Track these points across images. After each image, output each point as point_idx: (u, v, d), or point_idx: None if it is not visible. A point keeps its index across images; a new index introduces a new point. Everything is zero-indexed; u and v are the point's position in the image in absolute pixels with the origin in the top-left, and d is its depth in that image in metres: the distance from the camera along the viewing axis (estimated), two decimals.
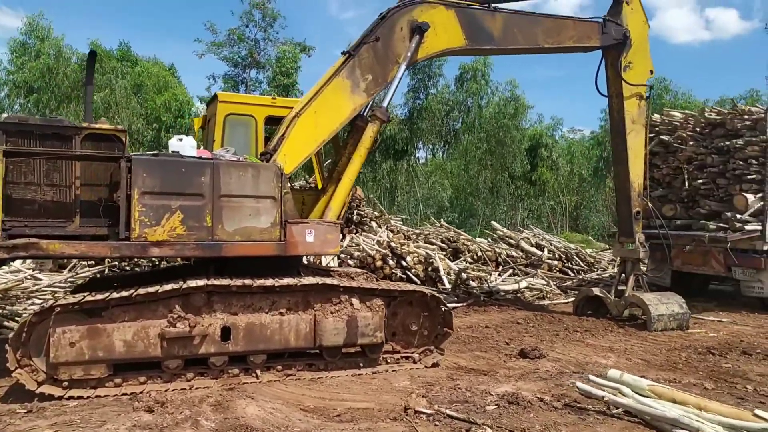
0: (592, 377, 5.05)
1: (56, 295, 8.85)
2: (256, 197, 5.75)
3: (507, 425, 4.27)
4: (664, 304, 8.40)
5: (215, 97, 7.51)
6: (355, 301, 5.88)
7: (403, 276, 11.30)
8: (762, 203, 9.47)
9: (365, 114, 7.34)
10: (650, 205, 9.19)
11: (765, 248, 9.43)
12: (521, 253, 14.48)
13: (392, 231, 13.87)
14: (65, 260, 9.63)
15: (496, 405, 4.74)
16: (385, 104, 7.18)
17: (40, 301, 8.60)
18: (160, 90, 24.98)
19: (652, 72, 9.10)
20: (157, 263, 9.52)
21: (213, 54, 28.19)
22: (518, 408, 4.65)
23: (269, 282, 5.57)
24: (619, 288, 9.06)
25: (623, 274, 9.10)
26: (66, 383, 5.04)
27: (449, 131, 28.49)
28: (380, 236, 12.55)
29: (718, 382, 5.60)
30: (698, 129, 10.88)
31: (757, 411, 4.08)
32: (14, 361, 4.89)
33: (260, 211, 5.76)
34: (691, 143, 10.81)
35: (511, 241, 15.36)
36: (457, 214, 26.71)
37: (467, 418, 4.37)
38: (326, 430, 4.21)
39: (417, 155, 29.15)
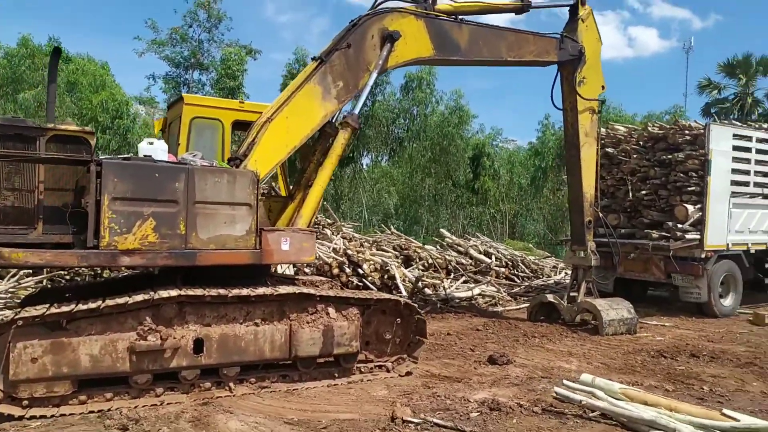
0: (566, 382, 5.24)
1: None
2: (232, 204, 5.60)
3: (493, 431, 4.36)
4: (615, 310, 8.81)
5: (180, 99, 7.29)
6: (331, 310, 5.83)
7: (360, 284, 11.28)
8: (701, 214, 10.13)
9: (334, 121, 7.33)
10: (600, 214, 9.63)
11: (703, 256, 10.08)
12: (470, 261, 14.79)
13: (345, 238, 13.83)
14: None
15: (478, 412, 4.83)
16: (356, 111, 7.18)
17: None
18: (96, 89, 23.82)
19: (603, 87, 9.55)
20: (112, 273, 9.06)
21: (154, 53, 27.25)
22: (501, 414, 4.76)
23: (245, 292, 5.44)
24: (571, 294, 9.43)
25: (575, 281, 9.48)
26: (26, 402, 4.73)
27: (394, 139, 28.75)
28: (336, 244, 12.48)
29: (677, 384, 5.95)
30: (641, 143, 11.51)
31: (725, 410, 4.37)
32: None
33: (236, 219, 5.61)
34: (634, 156, 11.41)
35: (459, 248, 15.65)
36: (402, 221, 26.93)
37: (454, 426, 4.43)
38: None
39: (362, 162, 29.22)
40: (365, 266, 11.57)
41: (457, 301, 11.38)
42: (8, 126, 5.11)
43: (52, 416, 4.67)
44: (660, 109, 34.85)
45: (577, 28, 9.18)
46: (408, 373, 6.10)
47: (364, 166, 31.02)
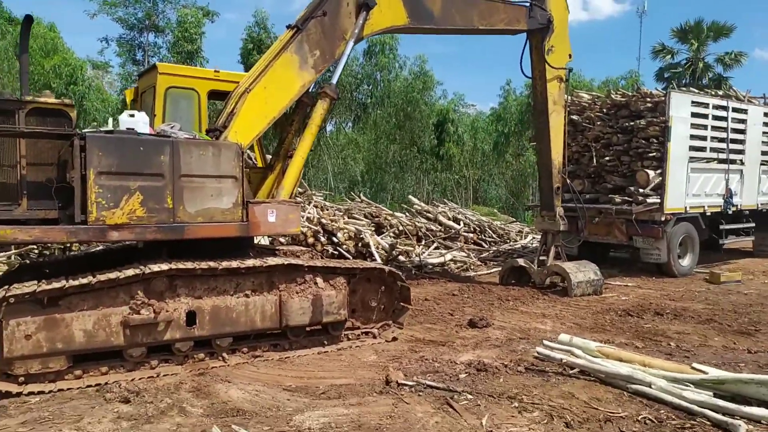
0: (546, 342, 5.56)
1: None
2: (218, 177, 5.62)
3: (484, 390, 4.64)
4: (582, 272, 9.25)
5: (154, 67, 7.11)
6: (319, 280, 5.97)
7: (335, 252, 11.43)
8: (661, 179, 10.60)
9: (311, 91, 7.32)
10: (568, 180, 9.98)
11: (663, 219, 10.60)
12: (440, 227, 15.10)
13: (318, 207, 13.88)
14: None
15: (466, 373, 5.10)
16: (334, 81, 7.17)
17: None
18: (48, 53, 22.67)
19: (570, 56, 9.75)
20: (82, 247, 8.92)
21: (106, 14, 26.04)
22: (487, 374, 5.04)
23: (234, 264, 5.51)
24: (541, 258, 9.82)
25: (544, 246, 9.86)
26: (22, 378, 4.74)
27: (358, 105, 28.60)
28: (309, 213, 12.53)
29: (645, 341, 6.38)
30: (605, 110, 11.86)
31: (694, 364, 4.76)
32: None
33: (222, 192, 5.63)
34: (598, 123, 11.76)
35: (428, 215, 15.94)
36: (368, 188, 27.04)
37: (447, 387, 4.68)
38: (319, 407, 4.33)
39: (326, 129, 28.97)
40: (339, 235, 11.70)
41: (431, 267, 11.68)
42: None
43: (50, 392, 4.70)
44: (615, 73, 35.60)
45: None
46: (394, 339, 6.33)
47: (328, 133, 30.82)
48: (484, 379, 4.95)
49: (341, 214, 13.99)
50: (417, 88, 27.02)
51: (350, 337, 6.26)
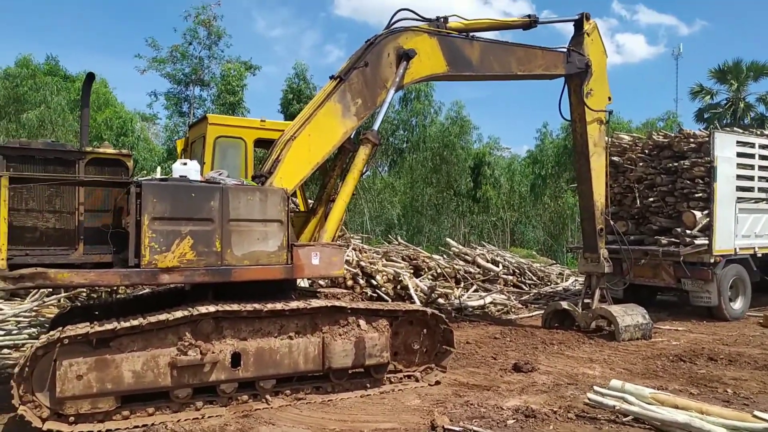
0: (597, 388, 5.38)
1: (20, 324, 8.36)
2: (264, 221, 5.75)
3: None
4: (630, 315, 8.98)
5: (204, 118, 7.46)
6: (361, 322, 5.97)
7: (374, 294, 11.42)
8: (708, 219, 10.33)
9: (353, 137, 7.51)
10: (611, 222, 9.82)
11: (712, 261, 10.28)
12: (478, 269, 14.95)
13: (357, 250, 13.97)
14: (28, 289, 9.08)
15: (514, 419, 4.97)
16: (375, 127, 7.36)
17: (2, 332, 8.10)
18: (100, 107, 23.96)
19: (610, 98, 9.76)
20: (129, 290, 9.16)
21: (155, 70, 27.44)
22: (537, 421, 4.90)
23: (279, 306, 5.58)
24: (585, 301, 9.59)
25: (588, 288, 9.64)
26: (72, 418, 4.84)
27: (395, 150, 29.01)
28: (348, 256, 12.61)
29: (700, 387, 6.10)
30: (647, 151, 11.74)
31: (756, 412, 4.52)
32: (18, 397, 4.65)
33: (268, 235, 5.76)
34: (640, 164, 11.63)
35: (467, 257, 15.81)
36: (404, 231, 27.14)
37: None
38: None
39: (364, 173, 29.47)
40: (378, 277, 11.71)
41: (470, 309, 11.53)
42: (49, 150, 5.27)
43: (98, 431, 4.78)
44: (653, 115, 35.25)
45: (582, 42, 9.40)
46: (437, 383, 6.23)
47: (364, 177, 31.31)
48: (533, 425, 4.81)
49: (379, 256, 14.02)
50: (454, 132, 27.31)
51: (393, 380, 6.19)
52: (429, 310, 6.41)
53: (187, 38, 27.99)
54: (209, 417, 5.13)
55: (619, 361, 7.37)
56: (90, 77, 5.78)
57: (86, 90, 5.86)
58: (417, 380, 6.27)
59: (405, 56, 7.43)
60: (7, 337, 7.92)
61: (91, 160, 5.35)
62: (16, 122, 22.87)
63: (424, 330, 6.41)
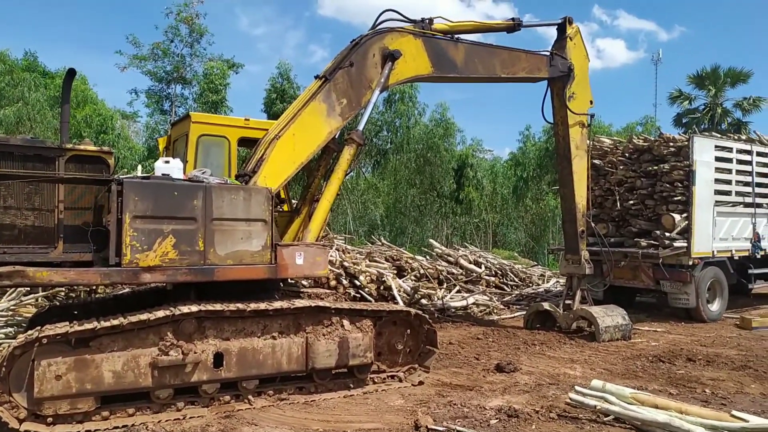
0: (578, 388, 5.43)
1: None
2: (248, 220, 5.72)
3: None
4: (610, 317, 9.09)
5: (187, 116, 7.38)
6: (345, 322, 5.96)
7: (357, 295, 11.40)
8: (687, 222, 10.50)
9: (337, 137, 7.49)
10: (593, 224, 9.93)
11: (690, 263, 10.44)
12: (460, 270, 15.00)
13: (340, 250, 13.94)
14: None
15: (497, 419, 4.99)
16: (360, 128, 7.35)
17: None
18: (79, 104, 23.58)
19: (591, 102, 9.87)
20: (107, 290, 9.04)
21: (136, 68, 27.11)
22: (519, 421, 4.93)
23: (262, 306, 5.54)
24: (566, 302, 9.68)
25: (570, 290, 9.74)
26: (50, 419, 4.76)
27: (378, 151, 29.02)
28: (331, 256, 12.57)
29: (679, 387, 6.20)
30: (627, 154, 11.89)
31: (734, 412, 4.61)
32: None
33: (252, 234, 5.73)
34: (621, 167, 11.78)
35: (449, 258, 15.86)
36: (388, 232, 27.15)
37: None
38: None
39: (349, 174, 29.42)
40: (362, 278, 11.69)
41: (453, 310, 11.56)
42: (28, 147, 5.18)
43: None
44: (631, 119, 35.73)
45: (565, 46, 9.49)
46: (420, 383, 6.24)
47: (347, 178, 31.28)
48: (516, 425, 4.84)
49: (363, 257, 14.00)
50: (438, 134, 27.41)
51: (376, 380, 6.19)
52: (413, 311, 6.42)
53: (168, 36, 27.74)
54: (191, 418, 5.08)
55: (599, 362, 7.45)
56: (71, 73, 5.69)
57: (67, 86, 5.77)
58: (400, 380, 6.28)
59: (390, 57, 7.44)
60: None
61: (72, 157, 5.27)
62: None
63: (408, 330, 6.42)
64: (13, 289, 9.05)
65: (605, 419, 4.93)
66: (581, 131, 9.67)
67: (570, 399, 5.26)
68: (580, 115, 9.60)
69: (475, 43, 8.55)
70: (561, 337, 9.01)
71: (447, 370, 6.91)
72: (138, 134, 35.17)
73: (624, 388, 5.33)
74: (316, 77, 7.34)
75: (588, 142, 9.91)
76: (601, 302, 10.33)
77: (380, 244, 16.75)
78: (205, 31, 28.10)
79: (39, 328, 4.92)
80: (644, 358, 7.67)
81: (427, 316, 6.44)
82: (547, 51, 9.42)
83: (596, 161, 12.14)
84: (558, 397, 5.70)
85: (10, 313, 8.35)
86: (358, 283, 11.64)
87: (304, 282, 11.33)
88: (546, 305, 9.96)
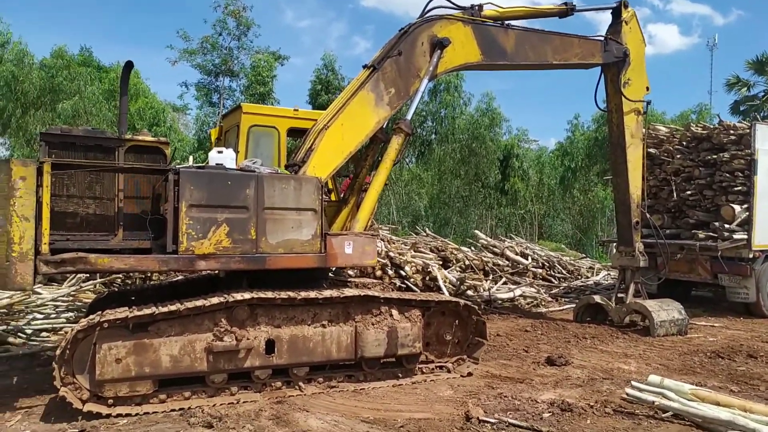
0: (635, 383, 5.27)
1: (58, 308, 8.57)
2: (298, 210, 5.76)
3: None
4: (665, 311, 8.78)
5: (238, 107, 7.49)
6: (394, 312, 5.96)
7: (402, 285, 11.40)
8: (748, 213, 10.03)
9: (386, 127, 7.46)
10: (647, 215, 9.60)
11: (750, 256, 9.99)
12: (506, 262, 14.80)
13: (385, 241, 13.96)
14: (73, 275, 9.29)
15: (550, 412, 4.90)
16: (408, 117, 7.31)
17: (41, 316, 8.32)
18: (133, 97, 24.35)
19: (648, 89, 9.51)
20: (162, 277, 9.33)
21: (186, 61, 27.79)
22: (573, 415, 4.83)
23: (312, 294, 5.60)
24: (619, 295, 9.41)
25: (623, 282, 9.46)
26: (111, 401, 4.93)
27: (422, 141, 28.89)
28: (377, 246, 12.59)
29: (740, 385, 5.94)
30: (684, 143, 11.44)
31: None
32: (59, 378, 4.75)
33: (302, 224, 5.77)
34: (678, 156, 11.34)
35: (495, 249, 15.66)
36: (431, 222, 27.05)
37: (530, 426, 4.52)
38: None
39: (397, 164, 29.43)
40: (407, 268, 11.68)
41: (500, 302, 11.43)
42: (89, 137, 5.36)
43: (137, 414, 4.87)
44: (685, 107, 34.33)
45: (620, 30, 9.16)
46: (469, 374, 6.19)
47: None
48: (570, 419, 4.74)
49: (407, 248, 13.99)
50: (484, 124, 27.06)
51: (424, 370, 6.17)
52: (462, 301, 6.36)
53: (216, 29, 28.25)
54: (244, 402, 5.19)
55: (655, 357, 7.22)
56: (128, 65, 5.85)
57: (125, 78, 5.93)
58: (449, 371, 6.24)
59: (439, 45, 7.34)
60: (46, 321, 8.13)
61: (131, 147, 5.43)
62: (52, 112, 23.36)
63: (457, 321, 6.37)
64: (73, 275, 9.46)
65: (663, 415, 4.77)
66: (636, 119, 9.34)
67: (626, 394, 5.11)
68: (636, 102, 9.26)
69: (526, 29, 8.35)
70: (613, 331, 8.77)
71: (496, 362, 6.84)
72: (187, 127, 36.10)
73: (683, 384, 5.14)
74: (365, 66, 7.32)
75: (643, 130, 9.56)
76: (654, 296, 10.00)
77: (425, 234, 16.68)
78: (252, 24, 28.53)
79: (100, 312, 5.09)
80: (702, 353, 7.38)
81: (476, 307, 6.37)
82: (601, 36, 9.12)
83: (651, 150, 11.72)
84: (612, 392, 5.55)
85: (71, 298, 8.72)
86: (403, 273, 11.64)
87: (350, 272, 11.44)
88: (597, 298, 9.71)
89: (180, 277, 8.54)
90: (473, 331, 6.39)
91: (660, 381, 5.19)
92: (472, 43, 7.75)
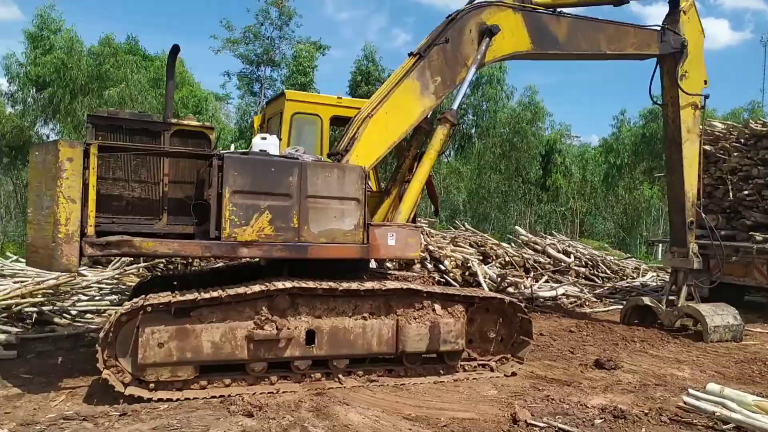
0: (692, 391, 4.97)
1: (102, 291, 8.71)
2: (341, 199, 5.64)
3: None
4: (719, 315, 8.35)
5: (282, 94, 7.41)
6: (437, 306, 5.79)
7: (441, 279, 11.20)
8: None
9: (429, 117, 7.27)
10: (703, 215, 9.14)
11: None
12: (548, 259, 14.42)
13: (424, 234, 13.77)
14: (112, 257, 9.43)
15: (601, 419, 4.66)
16: (454, 106, 7.09)
17: (86, 298, 8.47)
18: (177, 85, 24.73)
19: (706, 82, 9.03)
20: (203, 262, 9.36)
21: (229, 51, 28.08)
22: (626, 422, 4.58)
23: (354, 285, 5.47)
24: (670, 298, 9.01)
25: (674, 284, 9.04)
26: (152, 385, 4.92)
27: (462, 135, 28.51)
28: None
29: None
30: (742, 140, 10.87)
31: None
32: (102, 361, 4.76)
33: (345, 213, 5.65)
34: (735, 154, 10.79)
35: (536, 246, 15.29)
36: (469, 217, 26.70)
37: None
38: None
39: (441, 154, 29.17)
40: (446, 262, 11.49)
41: (542, 300, 11.12)
42: (136, 120, 5.35)
43: (177, 400, 4.84)
44: (736, 104, 32.96)
45: (678, 20, 8.70)
46: (513, 374, 5.98)
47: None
48: (624, 427, 4.49)
49: (446, 241, 13.77)
50: (526, 118, 26.50)
51: (466, 368, 5.98)
52: (507, 298, 6.15)
53: (259, 19, 28.41)
54: (283, 392, 5.12)
55: (709, 364, 6.85)
56: (175, 49, 5.81)
57: (171, 62, 5.91)
58: (492, 370, 6.04)
59: (488, 32, 7.08)
60: (90, 303, 8.27)
61: (176, 131, 5.40)
62: (99, 98, 23.91)
63: (501, 318, 6.15)
64: (117, 258, 9.60)
65: (724, 427, 4.47)
66: (694, 113, 8.88)
67: (684, 402, 4.81)
68: (693, 96, 8.80)
69: (579, 17, 8.01)
70: (663, 334, 8.39)
71: (540, 363, 6.59)
72: (228, 117, 36.55)
73: (745, 394, 4.81)
74: (410, 54, 7.13)
75: (700, 125, 9.09)
76: (706, 300, 9.54)
77: (464, 229, 16.42)
78: (294, 14, 28.57)
79: (143, 296, 5.08)
80: (760, 362, 6.97)
81: (522, 305, 6.14)
82: (658, 26, 8.68)
83: (707, 147, 11.16)
84: (667, 399, 5.26)
85: (115, 281, 8.86)
86: (442, 267, 11.45)
87: (388, 264, 11.30)
88: (646, 300, 9.32)
89: (220, 264, 8.54)
90: (518, 330, 6.17)
91: (720, 390, 4.87)
92: (522, 31, 7.47)
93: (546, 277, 12.87)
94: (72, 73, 23.53)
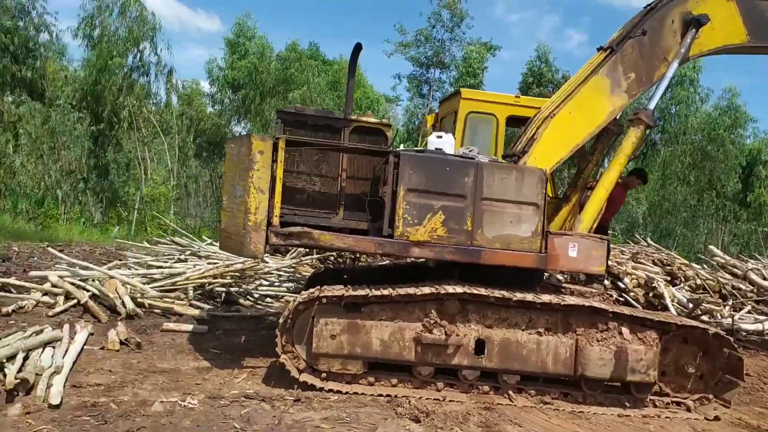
0: None
1: (281, 278, 9.27)
2: (519, 203, 5.26)
3: None
4: None
5: (457, 93, 7.21)
6: (624, 330, 5.14)
7: (620, 299, 10.17)
8: None
9: (618, 118, 6.56)
10: None
11: None
12: (751, 287, 12.43)
13: None
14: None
15: None
16: (651, 107, 6.33)
17: (267, 283, 9.07)
18: (355, 86, 26.09)
19: None
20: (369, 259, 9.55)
21: (400, 54, 28.80)
22: None
23: (529, 297, 5.06)
24: None
25: None
26: (324, 374, 5.00)
27: (647, 141, 26.05)
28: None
29: None
30: None
31: None
32: (280, 346, 4.94)
33: (522, 218, 5.26)
34: None
35: (736, 270, 13.28)
36: (650, 232, 24.28)
37: None
38: None
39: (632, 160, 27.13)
40: (626, 280, 10.42)
41: (744, 334, 9.56)
42: (319, 117, 5.51)
43: (346, 393, 4.87)
44: None
45: None
46: (716, 418, 5.09)
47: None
48: None
49: (627, 257, 12.54)
50: (723, 124, 23.40)
51: (657, 404, 5.23)
52: (711, 329, 5.29)
53: (431, 21, 28.70)
54: (450, 401, 4.90)
55: None
56: (358, 47, 5.87)
57: (353, 60, 6.00)
58: (689, 410, 5.20)
59: (695, 23, 6.21)
60: (270, 288, 8.85)
61: (355, 128, 5.46)
62: (284, 100, 26.02)
63: (702, 352, 5.30)
64: (295, 248, 10.17)
65: None
66: None
67: None
68: None
69: None
70: None
71: (749, 408, 5.57)
72: (395, 118, 37.59)
73: None
74: (599, 49, 6.51)
75: None
76: None
77: (645, 245, 14.86)
78: (466, 15, 28.36)
79: (318, 288, 5.19)
80: None
81: (730, 339, 5.23)
82: None
83: None
84: None
85: (292, 269, 9.38)
86: (621, 285, 10.40)
87: (560, 277, 10.56)
88: None
89: (387, 261, 8.60)
90: (724, 367, 5.25)
91: None
92: (737, 20, 6.43)
93: (749, 307, 11.08)
94: (262, 77, 25.92)
